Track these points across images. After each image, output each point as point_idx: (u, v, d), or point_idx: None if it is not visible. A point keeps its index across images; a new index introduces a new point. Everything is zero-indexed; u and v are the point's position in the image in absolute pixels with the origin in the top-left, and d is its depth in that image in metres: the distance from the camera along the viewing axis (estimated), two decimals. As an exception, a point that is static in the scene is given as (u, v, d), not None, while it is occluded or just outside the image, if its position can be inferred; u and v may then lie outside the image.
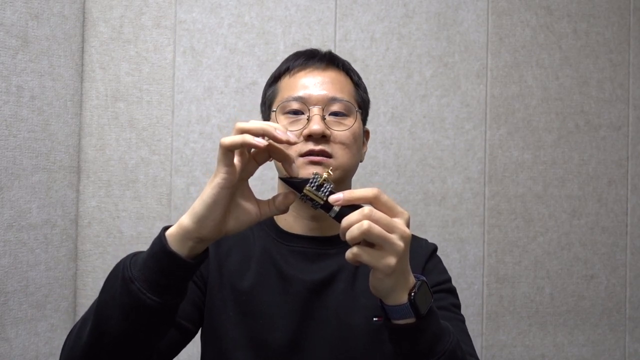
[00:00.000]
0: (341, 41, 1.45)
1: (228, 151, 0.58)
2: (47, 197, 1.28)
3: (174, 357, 0.80)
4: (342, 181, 0.84)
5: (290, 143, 0.59)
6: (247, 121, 0.60)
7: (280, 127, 0.59)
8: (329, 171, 0.62)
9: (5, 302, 1.20)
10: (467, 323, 0.88)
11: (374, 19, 1.46)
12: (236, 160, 0.60)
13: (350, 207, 0.59)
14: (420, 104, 1.47)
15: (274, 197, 0.65)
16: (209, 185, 0.60)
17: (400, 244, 0.57)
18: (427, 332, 0.62)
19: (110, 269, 0.64)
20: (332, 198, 0.59)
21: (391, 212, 0.58)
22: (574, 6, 1.53)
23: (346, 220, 0.57)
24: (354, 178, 0.92)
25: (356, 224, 0.56)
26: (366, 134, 0.93)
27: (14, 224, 1.21)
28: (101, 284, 0.65)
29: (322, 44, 1.43)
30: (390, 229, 0.57)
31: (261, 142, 0.58)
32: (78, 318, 1.34)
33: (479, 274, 1.47)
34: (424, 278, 0.63)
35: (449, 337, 0.64)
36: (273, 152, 0.61)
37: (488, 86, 1.50)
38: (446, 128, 1.47)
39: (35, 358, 1.25)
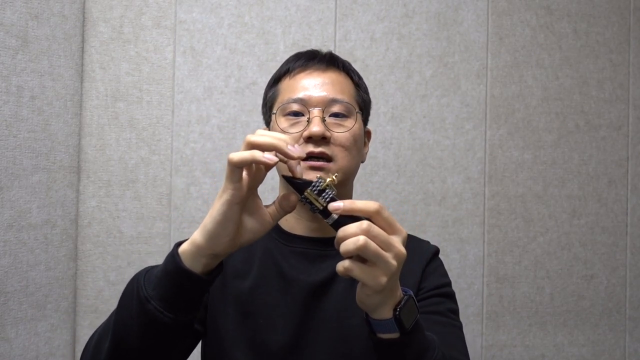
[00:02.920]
0: (341, 41, 1.45)
1: (236, 168, 0.57)
2: (47, 197, 1.28)
3: (186, 358, 0.81)
4: (344, 183, 0.84)
5: (301, 159, 0.59)
6: (255, 134, 0.59)
7: (289, 140, 0.59)
8: (334, 177, 0.60)
9: (5, 302, 1.20)
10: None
11: (374, 19, 1.46)
12: (244, 173, 0.59)
13: (349, 216, 0.58)
14: (420, 104, 1.47)
15: (277, 199, 0.64)
16: (217, 201, 0.59)
17: (394, 263, 0.56)
18: (411, 347, 0.61)
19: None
20: (332, 206, 0.58)
21: (390, 229, 0.57)
22: (574, 6, 1.53)
23: (343, 231, 0.56)
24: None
25: (352, 237, 0.55)
26: (367, 134, 0.93)
27: (14, 224, 1.21)
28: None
29: (322, 44, 1.43)
30: (386, 246, 0.56)
31: (271, 158, 0.57)
32: (78, 318, 1.35)
33: (479, 274, 1.48)
34: (411, 293, 0.62)
35: (433, 352, 0.63)
36: (281, 160, 0.60)
37: (488, 86, 1.50)
38: (446, 128, 1.47)
39: (35, 358, 1.25)
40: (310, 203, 0.59)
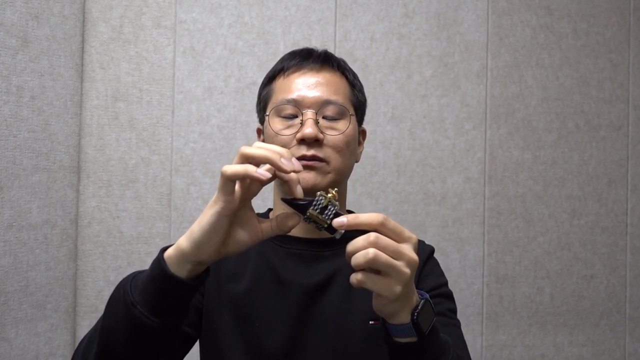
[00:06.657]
0: (341, 41, 1.45)
1: (229, 180, 0.57)
2: (47, 197, 1.28)
3: None
4: (337, 184, 0.83)
5: (295, 172, 0.58)
6: (252, 146, 0.58)
7: (285, 153, 0.58)
8: (334, 192, 0.59)
9: (5, 302, 1.20)
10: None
11: (374, 19, 1.46)
12: (237, 186, 0.59)
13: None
14: (420, 104, 1.47)
15: (276, 218, 0.63)
16: (208, 210, 0.58)
17: (407, 271, 0.55)
18: (429, 350, 0.61)
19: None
20: (336, 222, 0.57)
21: (399, 238, 0.57)
22: (574, 6, 1.53)
23: (351, 246, 0.55)
24: (352, 178, 0.91)
25: (361, 250, 0.54)
26: (363, 133, 0.92)
27: (14, 224, 1.21)
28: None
29: (322, 44, 1.42)
30: (397, 255, 0.55)
31: (265, 174, 0.56)
32: (78, 318, 1.35)
33: (479, 274, 1.47)
34: (428, 296, 0.62)
35: (448, 354, 0.64)
36: (277, 173, 0.59)
37: (488, 86, 1.50)
38: (446, 128, 1.47)
39: (35, 358, 1.25)
40: (315, 222, 0.59)
